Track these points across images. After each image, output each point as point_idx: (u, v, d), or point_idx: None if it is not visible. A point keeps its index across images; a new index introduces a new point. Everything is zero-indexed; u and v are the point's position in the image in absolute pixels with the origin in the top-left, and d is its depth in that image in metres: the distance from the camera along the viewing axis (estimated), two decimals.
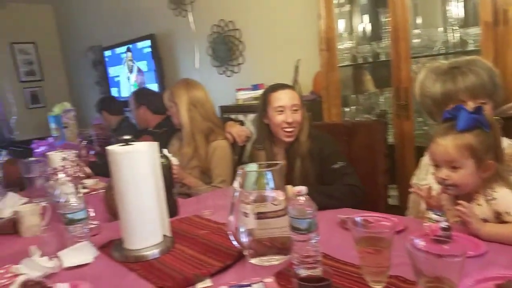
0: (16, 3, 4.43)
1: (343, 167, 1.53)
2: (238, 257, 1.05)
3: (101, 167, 1.88)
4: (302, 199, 0.93)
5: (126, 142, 1.09)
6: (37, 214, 1.43)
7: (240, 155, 2.23)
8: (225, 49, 3.01)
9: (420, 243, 0.77)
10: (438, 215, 1.06)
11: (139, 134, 2.78)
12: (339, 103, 2.13)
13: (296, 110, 1.62)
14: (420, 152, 1.70)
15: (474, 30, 1.73)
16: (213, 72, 3.16)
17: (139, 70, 3.83)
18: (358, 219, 0.89)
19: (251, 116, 2.46)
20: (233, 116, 2.48)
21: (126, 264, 1.08)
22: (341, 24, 2.19)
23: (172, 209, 1.36)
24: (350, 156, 1.66)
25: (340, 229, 1.21)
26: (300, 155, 1.61)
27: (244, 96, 2.58)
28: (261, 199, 1.02)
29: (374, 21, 2.22)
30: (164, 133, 2.46)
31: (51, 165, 1.47)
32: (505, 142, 1.19)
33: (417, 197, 1.22)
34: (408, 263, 0.75)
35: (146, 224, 1.11)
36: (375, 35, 2.24)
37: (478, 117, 1.02)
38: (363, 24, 2.38)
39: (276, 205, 1.01)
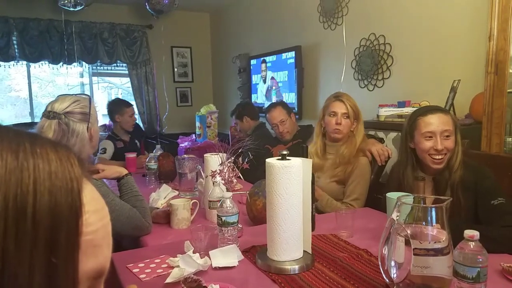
0: (178, 10, 5.03)
1: (504, 205, 1.32)
2: None
3: (251, 175, 2.00)
4: (473, 244, 0.82)
5: (284, 157, 1.12)
6: (188, 208, 1.58)
7: (377, 175, 2.13)
8: (371, 63, 2.91)
9: None
10: None
11: (274, 143, 2.90)
12: (502, 132, 1.85)
13: (448, 136, 1.46)
14: None
15: None
16: (354, 84, 3.10)
17: (272, 78, 3.99)
18: None
19: (393, 134, 2.32)
20: (372, 133, 2.38)
21: (269, 274, 1.11)
22: None
23: (312, 225, 1.36)
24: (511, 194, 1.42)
25: (502, 278, 1.04)
26: (450, 184, 1.45)
27: (387, 112, 2.43)
28: (419, 235, 0.94)
29: None
30: (305, 148, 2.50)
31: (208, 167, 1.60)
32: None
33: None
34: None
35: (292, 238, 1.13)
36: None
37: None
38: None
39: (435, 243, 0.92)
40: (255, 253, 1.22)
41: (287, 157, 1.15)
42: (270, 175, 1.13)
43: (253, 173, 2.04)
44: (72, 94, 1.53)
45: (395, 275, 0.96)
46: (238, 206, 1.63)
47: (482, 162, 1.50)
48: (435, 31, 2.45)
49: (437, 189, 1.48)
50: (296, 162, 1.13)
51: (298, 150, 2.10)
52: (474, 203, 1.40)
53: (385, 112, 2.47)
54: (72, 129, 1.41)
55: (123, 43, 4.98)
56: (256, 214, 1.54)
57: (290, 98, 3.72)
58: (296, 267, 1.12)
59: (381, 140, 2.26)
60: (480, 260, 0.80)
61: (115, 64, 5.10)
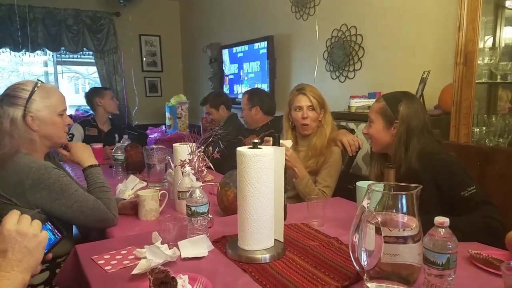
0: None
1: (476, 194, 1.31)
2: (355, 279, 0.98)
3: (223, 166, 1.96)
4: (443, 231, 0.82)
5: (255, 145, 1.09)
6: (157, 199, 1.53)
7: (348, 165, 2.14)
8: (343, 54, 2.91)
9: None
10: None
11: (246, 134, 2.86)
12: (470, 123, 1.89)
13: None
14: None
15: None
16: (326, 76, 3.10)
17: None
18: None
19: (363, 125, 2.33)
20: (343, 124, 2.39)
21: (239, 263, 1.08)
22: (481, 37, 1.94)
23: (283, 214, 1.34)
24: (482, 184, 1.44)
25: (470, 265, 1.06)
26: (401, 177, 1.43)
27: (358, 103, 2.45)
28: (389, 222, 0.93)
29: None
30: (277, 136, 2.48)
31: (178, 157, 1.56)
32: None
33: None
34: None
35: (263, 227, 1.11)
36: None
37: None
38: (507, 38, 2.09)
39: (405, 231, 0.92)
40: (226, 243, 1.18)
41: (259, 146, 1.12)
42: (241, 164, 1.09)
43: (225, 164, 2.00)
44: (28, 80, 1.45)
45: (365, 263, 0.95)
46: (209, 197, 1.59)
47: (452, 152, 1.51)
48: (405, 22, 2.48)
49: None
50: (267, 150, 1.10)
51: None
52: (441, 196, 1.38)
53: (356, 103, 2.49)
54: (4, 113, 1.36)
55: (89, 30, 4.78)
56: (227, 204, 1.50)
57: (264, 90, 3.68)
58: (267, 256, 1.10)
59: (352, 131, 2.27)
60: (450, 246, 0.80)
61: (81, 53, 4.90)
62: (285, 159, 1.78)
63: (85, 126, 3.09)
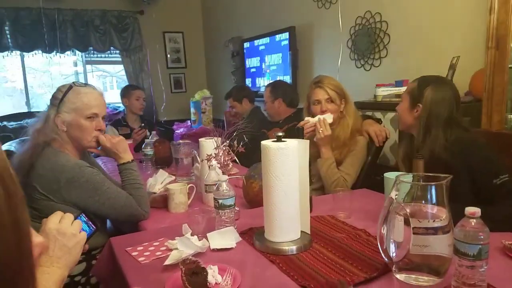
0: None
1: (509, 182, 1.28)
2: (383, 270, 0.97)
3: (247, 159, 1.98)
4: (474, 221, 0.80)
5: (279, 139, 1.09)
6: (185, 193, 1.57)
7: (375, 156, 2.10)
8: (367, 42, 2.85)
9: None
10: None
11: (269, 126, 2.86)
12: (503, 109, 1.82)
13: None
14: None
15: None
16: (350, 65, 3.05)
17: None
18: None
19: (390, 114, 2.29)
20: (370, 114, 2.35)
21: (267, 255, 1.09)
22: None
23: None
24: None
25: (503, 255, 1.03)
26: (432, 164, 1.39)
27: (385, 92, 2.39)
28: (420, 213, 0.92)
29: None
30: (294, 127, 2.47)
31: (204, 151, 1.58)
32: None
33: None
34: None
35: (289, 219, 1.12)
36: None
37: None
38: None
39: (435, 221, 0.90)
40: (253, 235, 1.20)
41: (283, 139, 1.12)
42: (265, 157, 1.10)
43: (250, 157, 2.01)
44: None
45: (394, 254, 0.94)
46: (235, 190, 1.61)
47: (484, 140, 1.45)
48: (432, 6, 2.39)
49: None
50: (291, 143, 1.11)
51: (294, 132, 2.08)
52: (472, 184, 1.34)
53: (382, 92, 2.43)
54: (47, 111, 1.46)
55: (115, 29, 4.90)
56: (253, 197, 1.52)
57: (287, 82, 3.66)
58: (294, 247, 1.10)
59: (379, 121, 2.22)
60: (482, 237, 0.78)
61: (108, 52, 5.03)
62: (320, 132, 1.84)
63: (117, 126, 3.18)
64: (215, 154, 1.37)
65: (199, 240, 1.13)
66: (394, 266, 0.95)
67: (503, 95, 1.80)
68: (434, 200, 0.91)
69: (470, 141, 1.39)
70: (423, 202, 0.93)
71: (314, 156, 1.91)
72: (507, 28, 1.74)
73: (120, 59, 5.10)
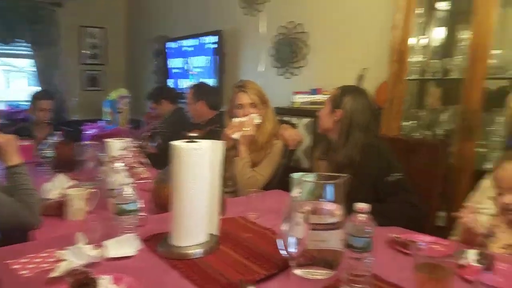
0: None
1: (401, 180, 1.41)
2: (283, 266, 1.00)
3: (160, 160, 1.91)
4: (363, 216, 0.86)
5: (192, 139, 1.07)
6: (84, 198, 1.45)
7: (289, 158, 2.18)
8: (289, 51, 2.97)
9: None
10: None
11: (191, 128, 2.81)
12: (400, 117, 2.01)
13: None
14: (477, 175, 1.63)
15: None
16: (272, 72, 3.14)
17: None
18: (422, 244, 0.83)
19: (305, 120, 2.40)
20: (287, 119, 2.43)
21: (169, 260, 1.06)
22: (414, 37, 2.07)
23: (220, 209, 1.33)
24: (409, 175, 1.54)
25: (389, 248, 1.13)
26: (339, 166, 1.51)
27: (301, 99, 2.52)
28: (316, 210, 0.97)
29: (450, 36, 2.10)
30: (215, 129, 2.47)
31: (110, 153, 1.49)
32: None
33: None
34: None
35: (197, 222, 1.09)
36: (448, 50, 2.10)
37: None
38: (438, 38, 2.24)
39: (331, 218, 0.95)
40: (157, 241, 1.15)
41: (195, 140, 1.10)
42: (176, 158, 1.07)
43: (165, 160, 1.95)
44: None
45: (293, 250, 0.97)
46: (146, 195, 1.54)
47: (386, 144, 1.59)
48: (347, 21, 2.57)
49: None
50: (204, 144, 1.09)
51: (215, 135, 2.07)
52: (373, 183, 1.47)
53: (299, 99, 2.55)
54: None
55: (28, 20, 4.45)
56: (163, 201, 1.46)
57: (210, 85, 3.65)
58: (200, 251, 1.09)
59: (294, 126, 2.32)
60: (368, 231, 0.84)
61: (17, 44, 4.55)
62: (245, 130, 1.87)
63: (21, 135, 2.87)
64: (121, 155, 1.29)
65: (95, 249, 1.04)
66: (293, 262, 0.98)
67: (400, 105, 1.98)
68: (331, 198, 0.97)
69: (376, 145, 1.53)
70: (323, 200, 0.98)
71: (234, 158, 1.94)
72: (407, 43, 1.92)
73: (29, 52, 4.66)
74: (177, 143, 1.08)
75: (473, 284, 0.80)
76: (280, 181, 2.03)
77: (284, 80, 3.05)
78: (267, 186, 1.96)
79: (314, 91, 2.52)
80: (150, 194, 1.54)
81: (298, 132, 2.13)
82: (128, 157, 1.32)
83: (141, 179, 1.84)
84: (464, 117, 1.74)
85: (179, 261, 1.05)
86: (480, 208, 1.23)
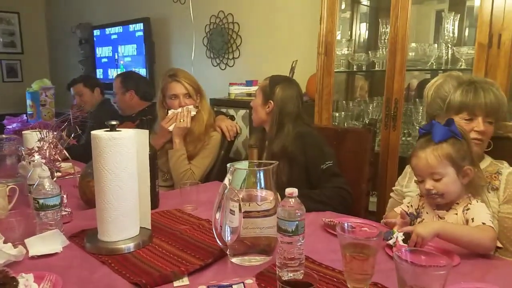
0: None
1: (332, 167, 1.48)
2: (219, 255, 1.00)
3: (80, 151, 1.79)
4: (292, 201, 0.88)
5: (112, 128, 1.01)
6: (4, 196, 1.33)
7: (227, 150, 2.17)
8: (222, 42, 2.94)
9: (407, 253, 0.79)
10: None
11: (120, 120, 2.68)
12: (330, 108, 2.10)
13: None
14: (402, 162, 1.80)
15: (465, 49, 1.77)
16: (207, 63, 3.09)
17: None
18: (346, 225, 0.87)
19: (242, 111, 2.40)
20: (223, 110, 2.42)
21: (98, 256, 1.01)
22: (340, 30, 2.17)
23: (153, 202, 1.29)
24: (338, 161, 1.62)
25: (323, 232, 1.18)
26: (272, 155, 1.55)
27: (237, 91, 2.51)
28: (250, 198, 0.97)
29: (374, 30, 2.22)
30: (148, 120, 2.38)
31: (26, 145, 1.37)
32: (488, 160, 1.26)
33: (395, 203, 1.34)
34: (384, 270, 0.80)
35: (125, 216, 1.04)
36: (372, 44, 2.24)
37: (451, 128, 1.09)
38: (362, 32, 2.37)
39: (264, 204, 0.96)
40: (84, 237, 1.09)
41: (117, 129, 1.04)
42: (96, 149, 1.01)
43: (87, 152, 1.84)
44: None
45: (228, 238, 0.97)
46: (73, 191, 1.45)
47: (317, 132, 1.65)
48: (277, 11, 2.60)
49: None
50: (127, 133, 1.04)
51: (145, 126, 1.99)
52: (306, 170, 1.53)
53: (235, 90, 2.54)
54: None
55: None
56: (90, 196, 1.37)
57: (140, 73, 3.50)
58: (131, 245, 1.04)
59: (232, 117, 2.31)
60: (298, 214, 0.87)
61: None
62: (180, 121, 1.86)
63: None
64: (38, 147, 1.19)
65: (15, 248, 0.97)
66: (228, 250, 0.99)
67: (330, 96, 2.07)
68: (263, 185, 0.98)
69: (308, 134, 1.57)
70: (255, 187, 0.99)
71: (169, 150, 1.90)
72: (333, 36, 2.01)
73: None
74: (97, 133, 1.02)
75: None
76: (219, 173, 2.02)
77: (220, 71, 3.03)
78: (207, 178, 1.94)
79: (250, 83, 2.53)
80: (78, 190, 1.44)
81: (235, 123, 2.13)
82: (45, 149, 1.21)
83: (70, 174, 1.73)
84: (387, 107, 1.86)
85: (109, 256, 1.00)
86: (406, 191, 1.33)
